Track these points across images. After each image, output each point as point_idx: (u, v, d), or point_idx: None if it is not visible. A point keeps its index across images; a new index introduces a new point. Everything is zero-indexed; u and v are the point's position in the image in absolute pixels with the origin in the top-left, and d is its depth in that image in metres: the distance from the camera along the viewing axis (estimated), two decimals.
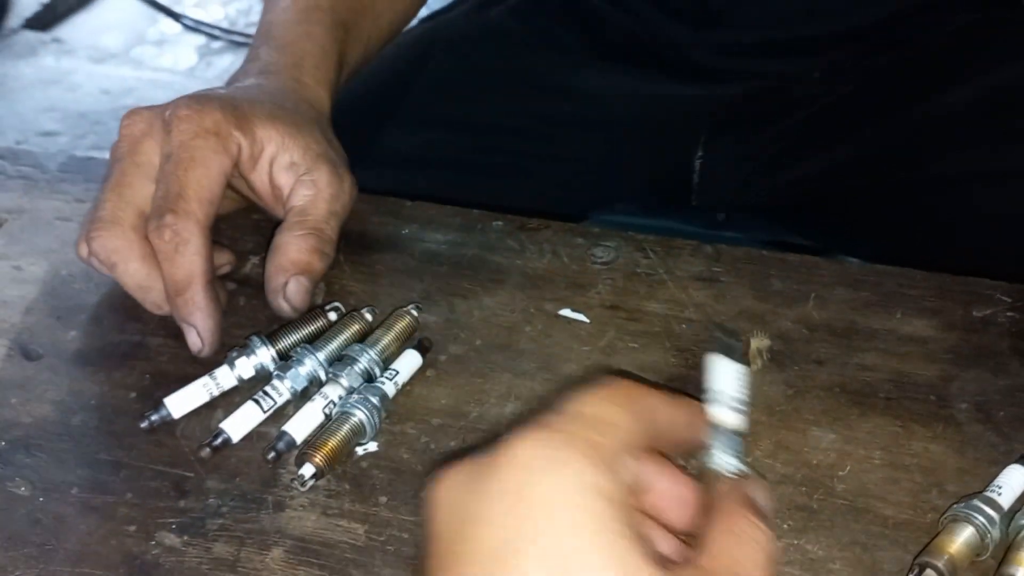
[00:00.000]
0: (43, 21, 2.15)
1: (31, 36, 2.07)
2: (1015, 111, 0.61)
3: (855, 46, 0.66)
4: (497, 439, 0.26)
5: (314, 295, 0.44)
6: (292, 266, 0.42)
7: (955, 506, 0.34)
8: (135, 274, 0.41)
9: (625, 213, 0.78)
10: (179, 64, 2.04)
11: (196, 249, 0.40)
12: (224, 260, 0.45)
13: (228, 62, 2.05)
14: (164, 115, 0.43)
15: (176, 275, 0.40)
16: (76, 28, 2.14)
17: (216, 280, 0.43)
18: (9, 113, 1.79)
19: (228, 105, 0.44)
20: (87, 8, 2.22)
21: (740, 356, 0.32)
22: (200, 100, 0.43)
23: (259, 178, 0.45)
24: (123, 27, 2.15)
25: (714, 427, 0.31)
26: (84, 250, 0.43)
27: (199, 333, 0.41)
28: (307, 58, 0.51)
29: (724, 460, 0.30)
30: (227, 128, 0.43)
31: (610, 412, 0.27)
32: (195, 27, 2.15)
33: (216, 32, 2.14)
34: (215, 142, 0.42)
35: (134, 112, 0.44)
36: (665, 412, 0.29)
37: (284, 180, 0.45)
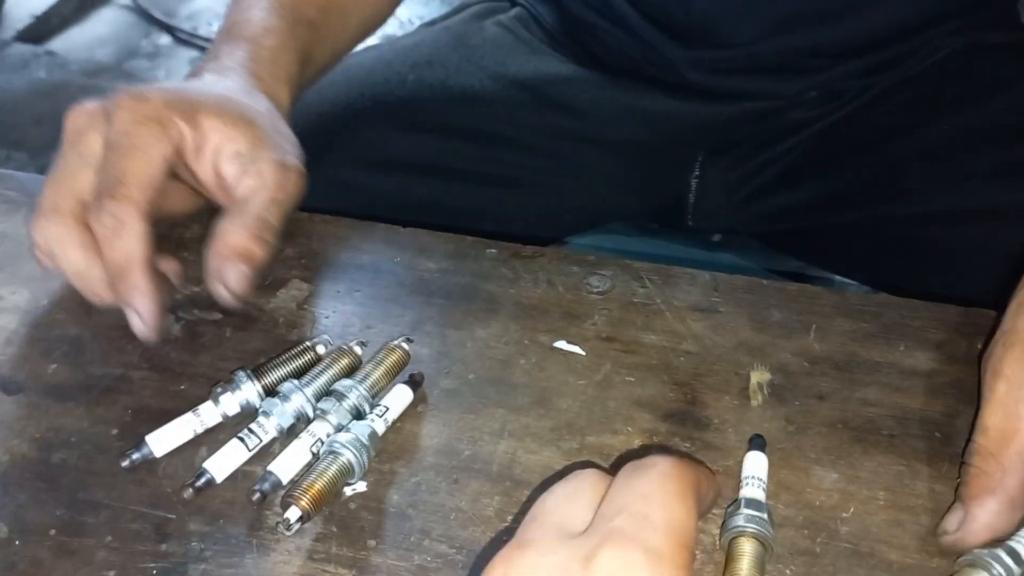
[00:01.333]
0: (36, 34, 2.14)
1: (24, 49, 2.06)
2: (1012, 142, 0.60)
3: (849, 66, 0.65)
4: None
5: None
6: (231, 252, 0.42)
7: (976, 550, 0.33)
8: (75, 262, 0.41)
9: (619, 233, 0.77)
10: (172, 77, 2.03)
11: (135, 233, 0.40)
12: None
13: None
14: (104, 106, 0.43)
15: (116, 259, 0.40)
16: (69, 41, 2.14)
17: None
18: (1, 126, 1.78)
19: (172, 95, 0.44)
20: (80, 21, 2.21)
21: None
22: (142, 90, 0.44)
23: (204, 168, 0.44)
24: (116, 40, 2.14)
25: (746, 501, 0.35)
26: (33, 246, 0.43)
27: (140, 316, 0.41)
28: (264, 53, 0.51)
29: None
30: (168, 116, 0.43)
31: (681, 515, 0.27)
32: (188, 40, 2.15)
33: (209, 45, 2.13)
34: (156, 129, 0.42)
35: (78, 106, 0.44)
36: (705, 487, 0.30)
37: (229, 170, 0.44)
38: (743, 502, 0.35)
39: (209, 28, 2.20)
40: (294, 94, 0.52)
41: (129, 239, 0.40)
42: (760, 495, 0.35)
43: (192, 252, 0.47)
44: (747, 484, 0.36)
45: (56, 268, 0.42)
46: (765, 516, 0.34)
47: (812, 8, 0.63)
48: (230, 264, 0.41)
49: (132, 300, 0.40)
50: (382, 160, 0.68)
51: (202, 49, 2.14)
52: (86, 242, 0.41)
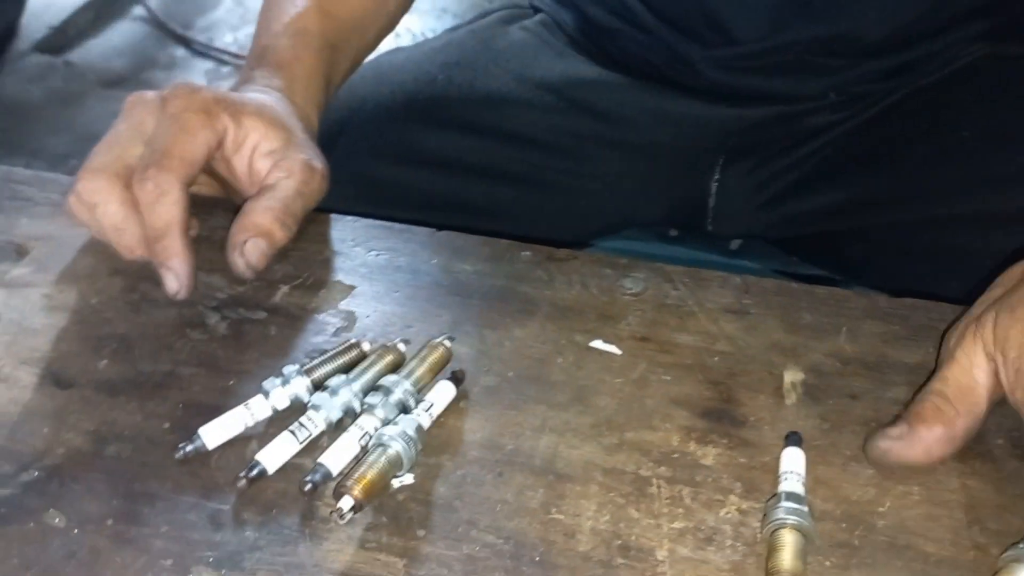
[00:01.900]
0: (53, 45, 2.16)
1: (41, 59, 2.08)
2: None
3: (869, 67, 0.66)
4: None
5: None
6: (254, 228, 0.46)
7: (1020, 546, 0.33)
8: (113, 215, 0.45)
9: (638, 239, 0.78)
10: None
11: (175, 200, 0.45)
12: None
13: None
14: (162, 94, 0.48)
15: (156, 223, 0.45)
16: (86, 52, 2.16)
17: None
18: (20, 136, 1.80)
19: (221, 94, 0.49)
20: (97, 32, 2.23)
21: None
22: (196, 85, 0.49)
23: (240, 162, 0.49)
24: (133, 51, 2.16)
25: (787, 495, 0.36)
26: (72, 200, 0.46)
27: (176, 275, 0.45)
28: (297, 82, 0.55)
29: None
30: (217, 110, 0.47)
31: None
32: (204, 52, 2.17)
33: (225, 57, 2.16)
34: (204, 118, 0.47)
35: (136, 92, 0.49)
36: None
37: (262, 165, 0.49)
38: (783, 495, 0.35)
39: (224, 41, 2.22)
40: (320, 118, 0.56)
41: (170, 206, 0.44)
42: (799, 488, 0.36)
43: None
44: (786, 479, 0.37)
45: (90, 223, 0.47)
46: (805, 508, 0.35)
47: (823, 2, 0.64)
48: (251, 240, 0.45)
49: (170, 261, 0.45)
50: (410, 156, 0.70)
51: (218, 61, 2.16)
52: (127, 200, 0.45)
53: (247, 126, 0.48)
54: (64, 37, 2.19)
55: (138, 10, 2.30)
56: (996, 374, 0.38)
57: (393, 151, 0.69)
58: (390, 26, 0.68)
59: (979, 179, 0.63)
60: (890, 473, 0.38)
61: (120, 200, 0.45)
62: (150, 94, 0.49)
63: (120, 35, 2.23)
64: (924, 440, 0.37)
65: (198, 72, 2.11)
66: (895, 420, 0.38)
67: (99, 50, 2.17)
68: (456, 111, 0.70)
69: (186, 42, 2.20)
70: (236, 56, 2.16)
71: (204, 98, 0.47)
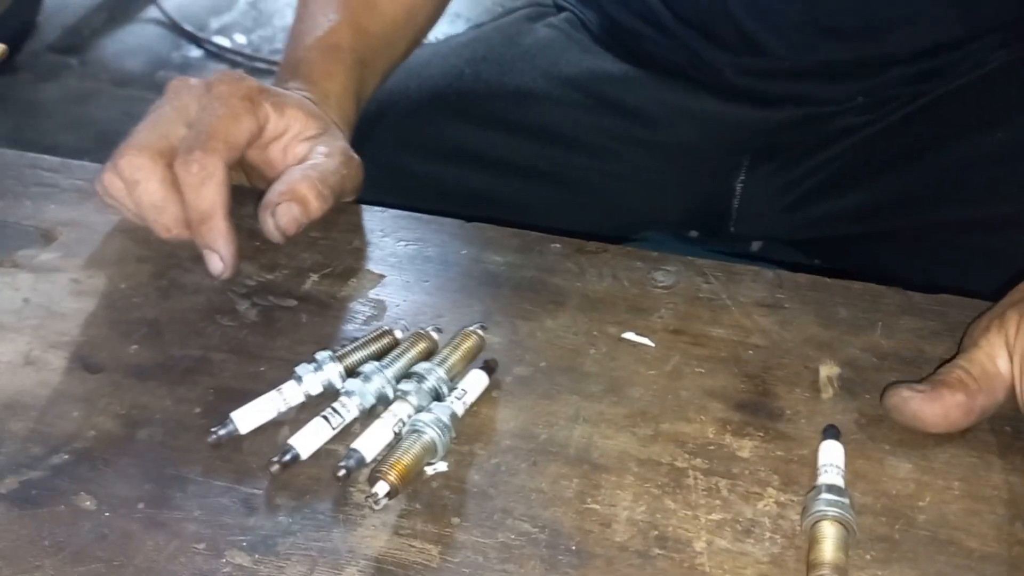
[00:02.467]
0: (68, 44, 2.17)
1: (55, 59, 2.09)
2: None
3: (896, 73, 0.66)
4: None
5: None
6: (291, 193, 0.46)
7: None
8: (153, 193, 0.45)
9: (658, 240, 0.78)
10: None
11: (220, 182, 0.45)
12: None
13: None
14: (207, 80, 0.49)
15: (201, 205, 0.45)
16: (100, 51, 2.17)
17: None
18: (34, 133, 1.81)
19: (265, 86, 0.50)
20: (112, 32, 2.24)
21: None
22: (241, 74, 0.49)
23: (276, 149, 0.49)
24: (146, 51, 2.17)
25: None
26: (106, 177, 0.46)
27: (221, 257, 0.45)
28: (330, 98, 0.55)
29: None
30: (260, 99, 0.48)
31: None
32: (218, 53, 2.17)
33: (238, 59, 2.16)
34: (249, 104, 0.47)
35: (179, 77, 0.50)
36: None
37: (301, 149, 0.49)
38: (823, 488, 0.35)
39: (238, 42, 2.23)
40: (351, 134, 0.56)
41: (215, 188, 0.44)
42: (839, 481, 0.36)
43: (262, 240, 0.48)
44: (825, 471, 0.36)
45: (125, 201, 0.46)
46: (846, 500, 0.34)
47: (857, 23, 0.64)
48: (285, 203, 0.45)
49: (215, 244, 0.45)
50: (437, 150, 0.70)
51: (232, 62, 2.17)
52: (168, 179, 0.45)
53: (288, 116, 0.49)
54: (79, 37, 2.20)
55: (152, 11, 2.31)
56: (1011, 368, 0.38)
57: (421, 145, 0.69)
58: (418, 40, 0.68)
59: (1007, 181, 0.62)
60: (929, 468, 0.38)
61: (161, 178, 0.45)
62: (194, 79, 0.49)
63: (134, 35, 2.24)
64: (944, 401, 0.38)
65: (211, 72, 2.11)
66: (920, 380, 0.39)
67: (113, 50, 2.18)
68: (483, 106, 0.70)
69: (200, 43, 2.20)
70: (250, 58, 2.17)
71: (249, 86, 0.48)
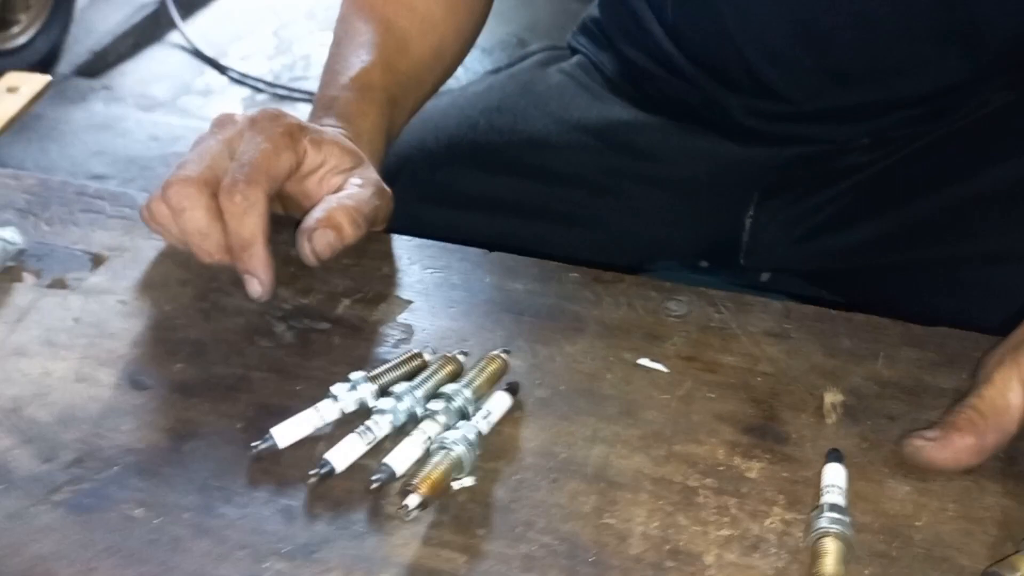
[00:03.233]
0: (94, 69, 2.23)
1: (82, 83, 2.15)
2: None
3: (901, 115, 0.69)
4: None
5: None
6: (326, 220, 0.49)
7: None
8: (199, 221, 0.48)
9: (669, 269, 0.80)
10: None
11: (261, 212, 0.48)
12: None
13: None
14: (249, 116, 0.52)
15: (243, 233, 0.48)
16: (125, 76, 2.22)
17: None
18: (61, 156, 1.85)
19: (304, 123, 0.53)
20: (136, 57, 2.30)
21: None
22: (281, 111, 0.52)
23: (312, 181, 0.52)
24: (171, 77, 2.22)
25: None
26: (154, 205, 0.50)
27: (260, 281, 0.48)
28: (363, 135, 0.58)
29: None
30: (300, 135, 0.51)
31: None
32: (240, 79, 2.22)
33: (260, 85, 2.21)
34: (288, 141, 0.50)
35: (225, 112, 0.53)
36: None
37: (336, 180, 0.52)
38: (826, 506, 0.37)
39: (259, 70, 2.28)
40: (381, 168, 0.59)
41: (257, 217, 0.48)
42: (841, 500, 0.38)
43: (298, 266, 0.51)
44: (828, 491, 0.39)
45: (170, 227, 0.50)
46: (848, 519, 0.37)
47: (866, 68, 0.67)
48: (321, 229, 0.48)
49: (255, 268, 0.48)
50: (453, 198, 0.72)
51: (253, 88, 2.22)
52: (212, 208, 0.48)
53: (325, 150, 0.52)
54: (104, 62, 2.26)
55: (176, 38, 2.37)
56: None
57: (438, 195, 0.72)
58: (446, 77, 0.71)
59: (1010, 217, 0.65)
60: (926, 490, 0.40)
61: (206, 207, 0.48)
62: (238, 115, 0.52)
63: (158, 62, 2.30)
64: (955, 446, 0.40)
65: (233, 99, 2.17)
66: (932, 425, 0.41)
67: (138, 75, 2.23)
68: (497, 154, 0.73)
69: (222, 70, 2.26)
70: (271, 85, 2.22)
71: (289, 123, 0.51)
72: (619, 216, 0.74)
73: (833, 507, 0.37)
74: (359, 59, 0.62)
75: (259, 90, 2.19)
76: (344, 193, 0.51)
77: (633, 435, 0.42)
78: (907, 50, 0.66)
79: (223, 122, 0.52)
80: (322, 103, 0.61)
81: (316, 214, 0.49)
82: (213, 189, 0.48)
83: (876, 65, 0.67)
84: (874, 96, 0.69)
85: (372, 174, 0.53)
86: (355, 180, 0.52)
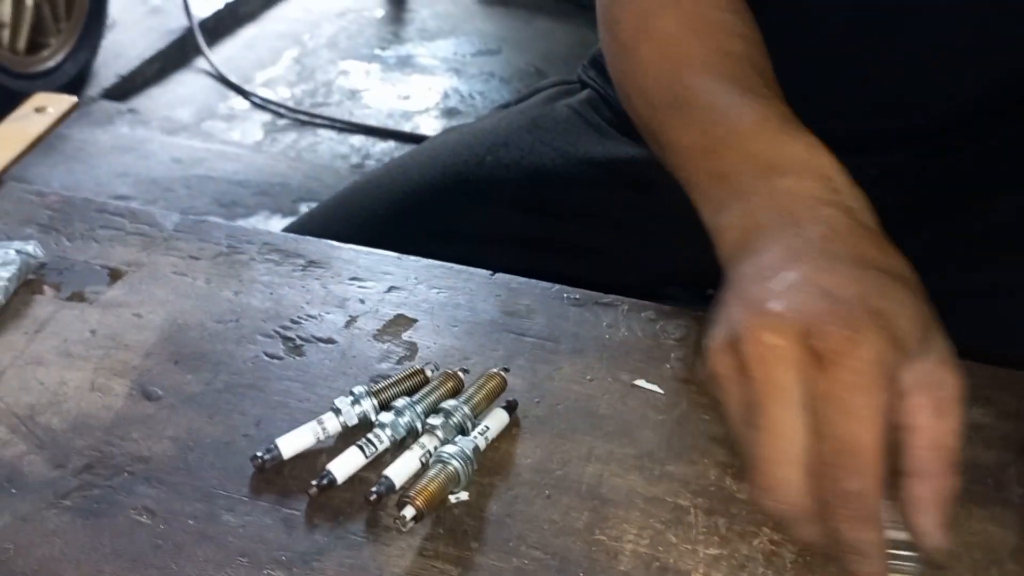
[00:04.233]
0: (120, 92, 2.28)
1: (108, 106, 2.20)
2: None
3: (909, 147, 0.70)
4: None
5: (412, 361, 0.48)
6: (926, 505, 0.37)
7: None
8: (795, 492, 0.36)
9: (676, 298, 0.81)
10: (246, 138, 2.14)
11: (877, 525, 0.36)
12: None
13: (292, 139, 2.15)
14: (809, 340, 0.36)
15: (855, 542, 0.36)
16: (151, 100, 2.27)
17: None
18: (86, 177, 1.89)
19: (876, 316, 0.37)
20: (162, 82, 2.35)
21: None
22: (850, 318, 0.36)
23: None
24: (195, 101, 2.27)
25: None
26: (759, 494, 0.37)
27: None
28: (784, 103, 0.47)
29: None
30: (892, 360, 0.36)
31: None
32: (263, 104, 2.27)
33: (282, 110, 2.25)
34: (880, 379, 0.36)
35: (766, 328, 0.37)
36: None
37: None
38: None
39: (282, 95, 2.32)
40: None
41: (871, 531, 0.36)
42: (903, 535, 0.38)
43: (302, 284, 0.52)
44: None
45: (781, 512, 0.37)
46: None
47: (878, 99, 0.68)
48: (924, 513, 0.37)
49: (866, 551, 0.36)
50: (462, 233, 0.74)
51: (275, 114, 2.25)
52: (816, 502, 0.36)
53: (907, 383, 0.37)
54: (131, 86, 2.31)
55: (201, 63, 2.42)
56: None
57: (447, 230, 0.73)
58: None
59: (1016, 247, 0.65)
60: None
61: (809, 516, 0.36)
62: (784, 329, 0.36)
63: (183, 86, 2.35)
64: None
65: (256, 123, 2.21)
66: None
67: (163, 99, 2.28)
68: (504, 189, 0.74)
69: (246, 95, 2.30)
70: (293, 110, 2.26)
71: (873, 348, 0.35)
72: (625, 248, 0.75)
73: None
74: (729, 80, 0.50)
75: (280, 115, 2.23)
76: (927, 467, 0.37)
77: (627, 454, 0.43)
78: (925, 76, 0.66)
79: (770, 372, 0.36)
80: (745, 157, 0.46)
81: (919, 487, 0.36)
82: (810, 470, 0.36)
83: (889, 95, 0.67)
84: (886, 126, 0.70)
85: (936, 354, 0.38)
86: (922, 411, 0.37)
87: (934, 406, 0.36)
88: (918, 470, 0.37)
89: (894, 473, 0.37)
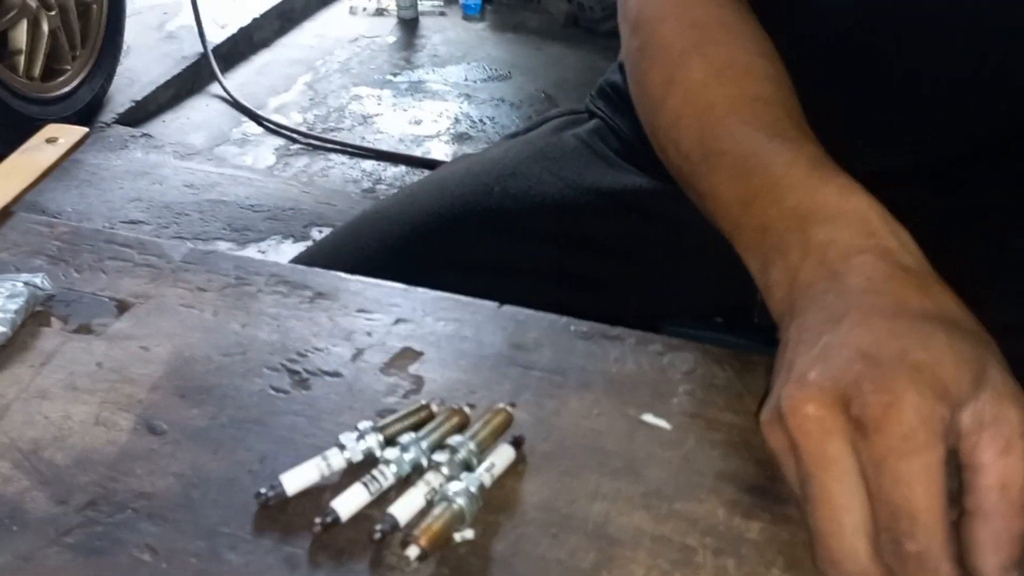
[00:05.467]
0: (134, 117, 2.30)
1: (123, 131, 2.22)
2: None
3: (918, 182, 0.70)
4: None
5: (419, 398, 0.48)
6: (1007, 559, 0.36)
7: None
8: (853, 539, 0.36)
9: (686, 327, 0.81)
10: (259, 163, 2.16)
11: (946, 572, 0.35)
12: None
13: (304, 163, 2.16)
14: (849, 408, 0.36)
15: None
16: (165, 125, 2.29)
17: None
18: (99, 201, 1.91)
19: (915, 372, 0.35)
20: (176, 107, 2.37)
21: None
22: (887, 380, 0.35)
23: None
24: (208, 126, 2.29)
25: None
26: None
27: None
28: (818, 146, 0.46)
29: None
30: (939, 413, 0.35)
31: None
32: (275, 130, 2.28)
33: (295, 136, 2.27)
34: (928, 438, 0.34)
35: (805, 399, 0.37)
36: None
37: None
38: None
39: (294, 120, 2.34)
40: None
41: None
42: None
43: (309, 319, 0.52)
44: None
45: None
46: None
47: (870, 137, 0.68)
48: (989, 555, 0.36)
49: None
50: (469, 263, 0.74)
51: (287, 139, 2.27)
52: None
53: (963, 426, 0.36)
54: (145, 111, 2.33)
55: (215, 88, 2.45)
56: None
57: (454, 260, 0.73)
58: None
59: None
60: None
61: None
62: (821, 398, 0.36)
63: (197, 111, 2.37)
64: None
65: (268, 148, 2.22)
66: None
67: (177, 124, 2.30)
68: (512, 219, 0.74)
69: (258, 120, 2.32)
70: (305, 135, 2.27)
71: (921, 409, 0.34)
72: (632, 278, 0.75)
73: None
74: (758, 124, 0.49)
75: (293, 140, 2.25)
76: (996, 509, 0.35)
77: (635, 492, 0.43)
78: (931, 110, 0.65)
79: (809, 430, 0.36)
80: (795, 204, 0.45)
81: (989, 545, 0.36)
82: (872, 543, 0.36)
83: (898, 126, 0.67)
84: (875, 165, 0.69)
85: (1008, 403, 0.36)
86: (986, 452, 0.35)
87: (996, 444, 0.35)
88: (983, 510, 0.35)
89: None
